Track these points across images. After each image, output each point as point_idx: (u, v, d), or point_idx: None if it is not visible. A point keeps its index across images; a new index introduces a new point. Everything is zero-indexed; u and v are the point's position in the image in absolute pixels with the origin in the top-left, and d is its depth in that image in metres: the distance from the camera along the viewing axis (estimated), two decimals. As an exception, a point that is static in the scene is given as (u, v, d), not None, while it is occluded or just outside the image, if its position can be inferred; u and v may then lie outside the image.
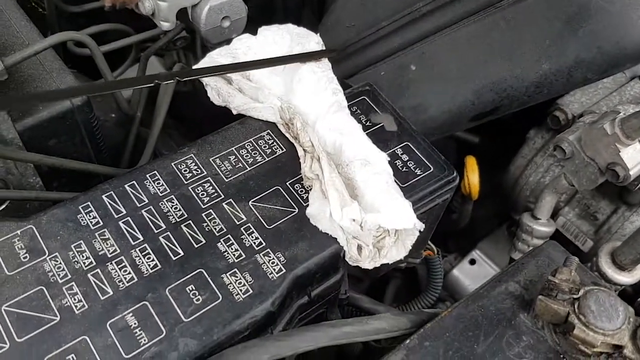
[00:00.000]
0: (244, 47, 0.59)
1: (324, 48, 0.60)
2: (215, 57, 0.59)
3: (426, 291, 0.76)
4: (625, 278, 0.66)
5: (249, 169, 0.53)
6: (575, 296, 0.44)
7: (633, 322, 0.44)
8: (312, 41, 0.60)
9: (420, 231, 0.50)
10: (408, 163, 0.56)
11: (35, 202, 0.55)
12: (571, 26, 0.65)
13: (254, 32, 0.73)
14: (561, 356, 0.44)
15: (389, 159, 0.54)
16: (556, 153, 0.74)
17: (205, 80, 0.59)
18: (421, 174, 0.55)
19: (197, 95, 1.01)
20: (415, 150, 0.57)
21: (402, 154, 0.56)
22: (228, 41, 0.70)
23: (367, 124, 0.59)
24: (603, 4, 0.62)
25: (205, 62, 0.59)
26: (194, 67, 0.59)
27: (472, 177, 0.80)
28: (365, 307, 0.62)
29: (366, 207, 0.50)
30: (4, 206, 0.55)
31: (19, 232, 0.46)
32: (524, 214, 0.82)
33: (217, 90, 0.59)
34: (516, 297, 0.47)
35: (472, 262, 1.03)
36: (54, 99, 0.48)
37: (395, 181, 0.53)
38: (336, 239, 0.49)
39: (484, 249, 1.03)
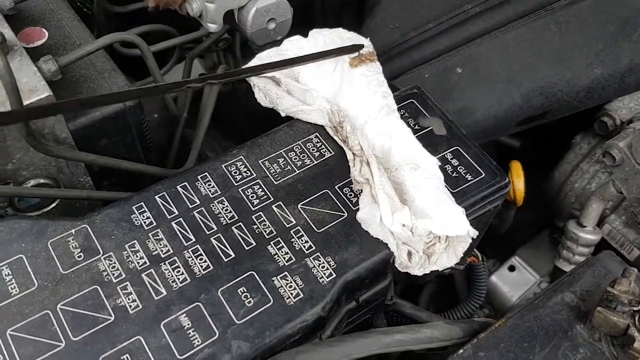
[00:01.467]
0: (295, 48, 0.59)
1: (373, 51, 0.59)
2: (265, 59, 0.59)
3: (469, 298, 0.75)
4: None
5: (297, 171, 0.52)
6: (635, 308, 0.43)
7: (696, 336, 0.43)
8: (363, 44, 0.59)
9: (473, 238, 0.49)
10: (458, 168, 0.55)
11: (84, 202, 0.56)
12: (625, 30, 0.63)
13: (294, 33, 0.73)
14: (620, 370, 0.43)
15: (439, 163, 0.53)
16: (605, 159, 0.73)
17: (254, 81, 0.59)
18: (472, 180, 0.54)
19: (235, 95, 1.02)
20: (466, 155, 0.56)
21: (452, 159, 0.55)
22: (273, 43, 0.71)
23: (416, 127, 0.58)
24: (660, 7, 0.61)
25: (253, 63, 0.59)
26: (243, 67, 0.59)
27: (518, 182, 0.78)
28: (408, 314, 0.61)
29: (417, 212, 0.50)
30: (54, 204, 0.55)
31: (73, 231, 0.46)
32: (570, 221, 0.80)
33: (265, 91, 0.59)
34: (572, 308, 0.46)
35: (512, 268, 1.01)
36: (105, 103, 0.48)
37: (446, 186, 0.52)
38: (386, 244, 0.48)
39: (524, 256, 1.01)
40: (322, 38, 0.59)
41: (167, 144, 0.76)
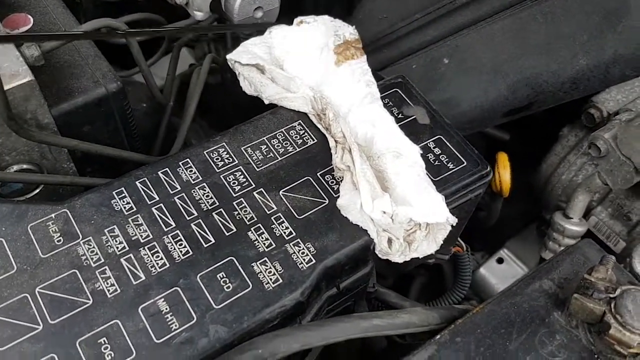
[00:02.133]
0: (279, 36, 0.59)
1: (358, 38, 0.59)
2: (250, 47, 0.59)
3: (453, 288, 0.75)
4: (660, 280, 0.65)
5: (280, 158, 0.53)
6: (611, 295, 0.43)
7: (672, 323, 0.43)
8: (347, 32, 0.59)
9: (452, 225, 0.49)
10: (440, 156, 0.55)
11: (67, 187, 0.56)
12: (610, 21, 0.63)
13: (284, 21, 0.73)
14: (595, 356, 0.43)
15: (421, 151, 0.53)
16: (591, 151, 0.73)
17: (239, 69, 0.59)
18: (454, 168, 0.54)
19: (224, 86, 1.02)
20: (448, 144, 0.56)
21: (434, 147, 0.56)
22: (260, 32, 0.71)
23: (400, 116, 0.58)
24: (644, -2, 0.61)
25: (239, 51, 0.59)
26: (228, 55, 0.59)
27: (504, 173, 0.78)
28: (392, 302, 0.62)
29: (397, 199, 0.50)
30: (37, 190, 0.56)
31: (53, 215, 0.47)
32: (556, 213, 0.80)
33: (249, 79, 0.59)
34: (550, 295, 0.46)
35: (500, 261, 1.02)
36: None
37: (428, 174, 0.52)
38: (366, 231, 0.48)
39: (512, 248, 1.02)
40: (307, 25, 0.59)
41: (154, 133, 0.76)
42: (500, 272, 1.01)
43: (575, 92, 0.67)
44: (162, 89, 0.79)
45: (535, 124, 0.93)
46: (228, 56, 0.59)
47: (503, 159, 0.79)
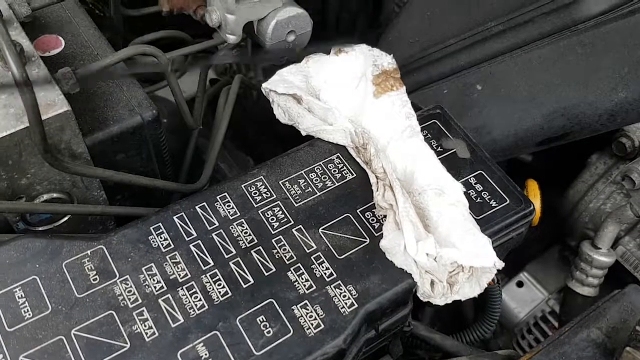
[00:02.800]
0: (317, 65, 0.57)
1: (397, 68, 0.58)
2: (286, 75, 0.58)
3: (483, 321, 0.73)
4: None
5: (318, 193, 0.51)
6: (666, 350, 0.42)
7: None
8: (386, 61, 0.58)
9: (499, 270, 0.48)
10: (482, 193, 0.53)
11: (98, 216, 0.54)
12: (652, 55, 0.62)
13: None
14: (648, 412, 0.42)
15: (464, 189, 0.52)
16: (624, 183, 0.71)
17: (274, 98, 0.58)
18: (497, 206, 0.53)
19: (246, 103, 1.00)
20: (490, 180, 0.55)
21: (475, 184, 0.54)
22: (290, 53, 0.69)
23: (439, 149, 0.57)
24: (688, 33, 0.59)
25: (275, 80, 0.58)
26: (263, 85, 0.58)
27: (535, 202, 0.76)
28: (421, 335, 0.60)
29: (440, 240, 0.48)
30: (66, 218, 0.54)
31: (89, 252, 0.45)
32: (584, 243, 0.79)
33: (285, 109, 0.57)
34: (598, 345, 0.45)
35: (520, 284, 1.00)
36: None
37: (470, 213, 0.51)
38: (409, 273, 0.47)
39: (533, 272, 1.00)
40: (345, 56, 0.58)
41: (176, 152, 0.75)
42: (520, 296, 1.00)
43: (613, 124, 0.66)
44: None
45: (562, 149, 0.91)
46: (264, 85, 0.58)
47: (534, 187, 0.77)
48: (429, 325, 0.94)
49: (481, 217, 0.52)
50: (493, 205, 0.53)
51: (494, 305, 0.71)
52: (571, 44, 0.65)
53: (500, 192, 0.53)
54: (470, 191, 0.53)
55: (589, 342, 0.45)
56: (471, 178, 0.54)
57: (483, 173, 0.55)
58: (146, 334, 0.42)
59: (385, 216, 0.49)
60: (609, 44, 0.64)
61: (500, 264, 0.47)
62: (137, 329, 0.42)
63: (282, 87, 0.57)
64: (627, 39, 0.63)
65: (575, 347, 0.45)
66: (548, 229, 0.98)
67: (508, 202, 0.53)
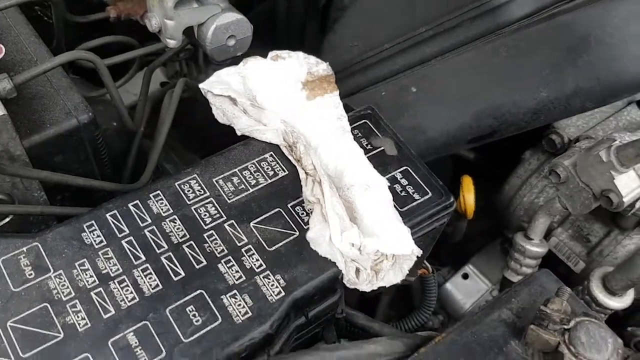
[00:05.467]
0: (254, 68, 0.60)
1: (332, 74, 0.61)
2: (224, 76, 0.60)
3: (420, 309, 0.77)
4: (615, 303, 0.68)
5: (251, 190, 0.54)
6: (566, 327, 0.45)
7: (621, 353, 0.45)
8: (321, 68, 0.61)
9: (418, 257, 0.51)
10: (407, 187, 0.57)
11: (38, 216, 0.56)
12: (571, 56, 0.66)
13: (257, 46, 0.74)
14: (551, 384, 0.45)
15: (389, 184, 0.55)
16: (551, 177, 0.76)
17: (211, 99, 0.60)
18: (419, 199, 0.56)
19: (197, 104, 1.02)
20: (414, 175, 0.58)
21: (401, 178, 0.57)
22: (233, 59, 0.72)
23: (368, 147, 0.60)
24: (603, 36, 0.64)
25: (212, 81, 0.60)
26: (201, 85, 0.60)
27: (468, 197, 0.81)
28: (360, 324, 0.63)
29: (365, 231, 0.51)
30: (7, 219, 0.56)
31: (24, 249, 0.47)
32: (517, 234, 0.83)
33: (222, 110, 0.60)
34: (508, 325, 0.49)
35: (465, 276, 1.04)
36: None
37: (395, 205, 0.54)
38: (335, 262, 0.50)
39: (477, 264, 1.04)
40: (283, 61, 0.61)
41: (125, 154, 0.77)
42: (465, 287, 1.04)
43: (537, 122, 0.70)
44: (134, 106, 0.80)
45: (500, 145, 0.96)
46: (201, 85, 0.60)
47: (467, 183, 0.81)
48: (385, 315, 0.98)
49: (405, 209, 0.55)
50: (416, 198, 0.56)
51: (430, 293, 0.75)
52: (496, 47, 0.69)
53: (424, 186, 0.57)
54: (395, 185, 0.56)
55: (500, 322, 0.49)
56: (397, 173, 0.58)
57: (408, 169, 0.58)
58: (79, 324, 0.44)
59: (313, 210, 0.52)
60: (531, 46, 0.68)
61: (419, 251, 0.51)
62: (70, 320, 0.44)
63: (218, 88, 0.60)
64: (547, 41, 0.67)
65: (486, 327, 0.48)
66: (491, 223, 1.03)
67: (430, 195, 0.56)
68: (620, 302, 0.68)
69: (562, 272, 0.86)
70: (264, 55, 0.63)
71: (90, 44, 0.77)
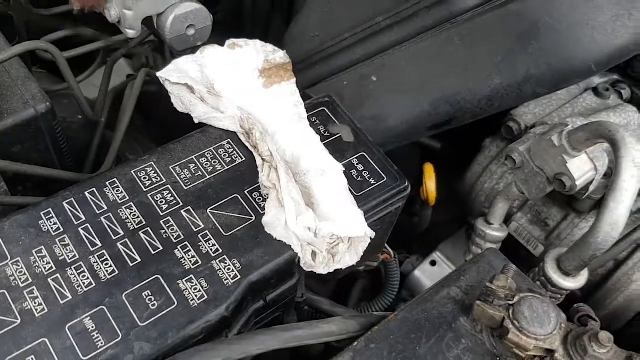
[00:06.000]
0: (211, 56, 0.61)
1: (289, 62, 0.62)
2: (181, 65, 0.61)
3: (383, 293, 0.79)
4: (569, 283, 0.70)
5: (208, 177, 0.55)
6: (510, 302, 0.47)
7: (565, 328, 0.47)
8: (278, 56, 0.62)
9: (371, 238, 0.52)
10: (363, 173, 0.58)
11: (-2, 206, 0.56)
12: (522, 43, 0.68)
13: (223, 37, 0.75)
14: (497, 359, 0.47)
15: (344, 169, 0.57)
16: (507, 162, 0.78)
17: (169, 88, 0.61)
18: (375, 184, 0.57)
19: (160, 96, 1.03)
20: (370, 161, 0.59)
21: (357, 164, 0.59)
22: (194, 49, 0.72)
23: (326, 134, 0.61)
24: (552, 23, 0.66)
25: (170, 69, 0.61)
26: (158, 73, 0.61)
27: (430, 184, 0.83)
28: (325, 309, 0.65)
29: (321, 215, 0.53)
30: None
31: (-20, 237, 0.47)
32: (478, 219, 0.85)
33: (179, 98, 0.60)
34: (457, 302, 0.50)
35: (433, 263, 1.06)
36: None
37: (350, 190, 0.56)
38: (291, 246, 0.51)
39: (444, 251, 1.07)
40: (240, 50, 0.62)
41: (89, 149, 0.77)
42: (433, 274, 1.06)
43: (491, 108, 0.72)
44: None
45: (464, 134, 0.98)
46: (158, 74, 0.61)
47: (429, 170, 0.83)
48: (357, 303, 0.99)
49: (361, 193, 0.56)
50: (372, 182, 0.57)
51: (392, 277, 0.76)
52: (450, 35, 0.71)
53: (379, 171, 0.58)
54: (352, 171, 0.58)
55: (449, 299, 0.50)
56: (354, 159, 0.59)
57: (365, 155, 0.60)
58: (36, 310, 0.45)
59: (269, 195, 0.53)
60: (484, 34, 0.70)
61: (372, 233, 0.52)
62: (27, 306, 0.45)
63: (175, 76, 0.60)
64: (499, 29, 0.69)
65: (436, 304, 0.50)
66: (457, 210, 1.05)
67: (385, 179, 0.58)
68: (574, 283, 0.70)
69: (522, 256, 0.88)
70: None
71: (52, 37, 0.77)
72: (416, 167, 1.05)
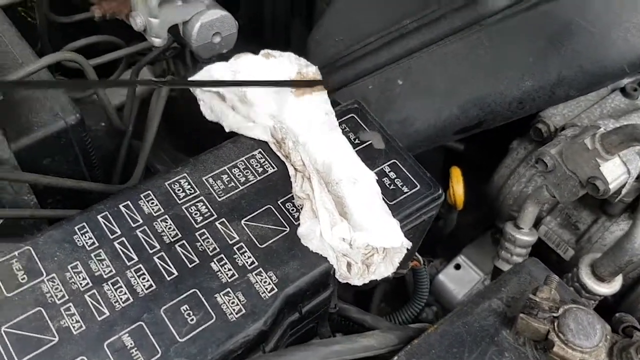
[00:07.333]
0: (245, 64, 0.60)
1: (320, 78, 0.61)
2: (213, 72, 0.60)
3: (412, 301, 0.78)
4: (604, 289, 0.69)
5: (241, 187, 0.54)
6: (555, 314, 0.46)
7: (610, 339, 0.46)
8: (311, 71, 0.61)
9: (407, 249, 0.51)
10: (395, 180, 0.57)
11: (29, 220, 0.56)
12: (554, 45, 0.67)
13: (243, 42, 0.74)
14: (542, 372, 0.46)
15: (377, 177, 0.56)
16: (538, 166, 0.76)
17: (199, 95, 0.60)
18: (408, 192, 0.56)
19: (188, 102, 1.02)
20: (402, 168, 0.58)
21: (389, 172, 0.58)
22: (219, 56, 0.72)
23: (356, 141, 0.60)
24: (585, 24, 0.64)
25: (201, 75, 0.60)
26: (190, 78, 0.60)
27: (457, 188, 0.82)
28: (354, 318, 0.64)
29: (355, 225, 0.52)
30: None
31: (16, 253, 0.47)
32: (507, 223, 0.84)
33: (210, 106, 0.60)
34: (499, 314, 0.49)
35: (457, 267, 1.05)
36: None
37: (384, 198, 0.55)
38: (326, 257, 0.50)
39: (469, 254, 1.05)
40: (274, 60, 0.61)
41: (115, 155, 0.77)
42: (458, 277, 1.05)
43: (522, 111, 0.71)
44: (123, 106, 0.80)
45: (489, 135, 0.97)
46: (190, 79, 0.60)
47: (457, 174, 0.82)
48: (379, 308, 0.98)
49: (394, 202, 0.55)
50: (405, 191, 0.56)
51: (422, 285, 0.75)
52: (480, 38, 0.70)
53: (412, 178, 0.57)
54: (384, 179, 0.57)
55: (490, 312, 0.49)
56: (385, 167, 0.58)
57: (396, 162, 0.59)
58: (73, 327, 0.44)
59: (303, 206, 0.53)
60: (514, 36, 0.68)
61: (408, 244, 0.51)
62: (64, 323, 0.44)
63: (206, 85, 0.60)
64: (529, 30, 0.68)
65: (477, 317, 0.49)
66: (482, 213, 1.04)
67: (419, 187, 0.57)
68: (609, 288, 0.69)
69: (552, 260, 0.87)
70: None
71: (75, 45, 0.77)
72: (438, 169, 1.04)
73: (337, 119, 0.60)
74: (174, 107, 0.87)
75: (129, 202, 0.51)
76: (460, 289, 1.04)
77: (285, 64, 0.62)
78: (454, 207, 0.85)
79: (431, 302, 1.02)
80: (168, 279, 0.47)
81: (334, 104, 0.62)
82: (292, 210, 0.53)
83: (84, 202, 0.61)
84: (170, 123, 0.95)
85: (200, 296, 0.47)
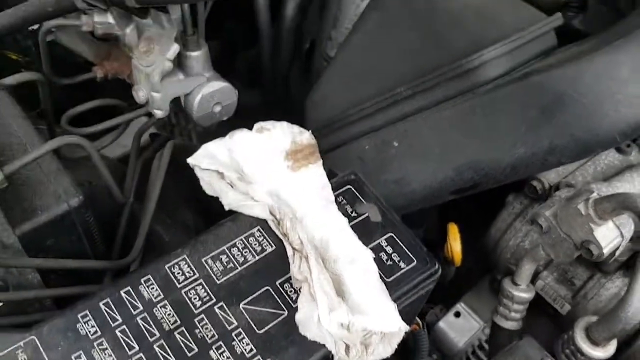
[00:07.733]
0: (240, 141, 0.61)
1: (314, 143, 0.63)
2: (211, 149, 0.62)
3: (412, 363, 0.78)
4: (599, 353, 0.69)
5: (239, 268, 0.55)
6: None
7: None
8: (304, 138, 0.63)
9: (405, 333, 0.52)
10: (392, 255, 0.58)
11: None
12: (545, 115, 0.68)
13: (243, 91, 0.76)
14: None
15: (374, 255, 0.57)
16: (533, 227, 0.78)
17: (199, 174, 0.61)
18: (405, 268, 0.57)
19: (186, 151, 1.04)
20: (399, 242, 0.59)
21: (386, 246, 0.59)
22: (219, 124, 0.74)
23: (353, 214, 0.61)
24: (576, 96, 0.66)
25: (200, 155, 0.62)
26: (189, 159, 0.61)
27: (455, 245, 0.83)
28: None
29: (353, 307, 0.53)
30: (1, 303, 0.57)
31: (22, 343, 0.48)
32: (505, 280, 0.85)
33: (209, 183, 0.61)
34: (495, 397, 0.50)
35: (457, 314, 1.06)
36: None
37: (381, 275, 0.56)
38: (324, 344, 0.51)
39: (468, 302, 1.06)
40: (268, 133, 0.62)
41: (116, 214, 0.77)
42: (458, 325, 1.05)
43: (516, 176, 0.72)
44: (123, 158, 0.81)
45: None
46: (189, 160, 0.62)
47: (454, 231, 0.83)
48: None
49: (391, 278, 0.56)
50: (402, 266, 0.57)
51: (422, 348, 0.76)
52: (473, 105, 0.71)
53: (409, 253, 0.58)
54: (381, 253, 0.58)
55: (486, 395, 0.50)
56: (382, 241, 0.59)
57: (393, 235, 0.59)
58: (76, 421, 0.45)
59: (301, 288, 0.54)
60: (506, 105, 0.70)
61: (406, 327, 0.52)
62: (68, 415, 0.45)
63: (205, 162, 0.61)
64: (521, 100, 0.69)
65: (473, 401, 0.50)
66: (479, 262, 1.05)
67: (415, 262, 0.58)
68: (604, 352, 0.70)
69: (550, 313, 0.88)
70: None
71: (78, 109, 0.78)
72: (434, 219, 1.05)
73: (334, 191, 0.62)
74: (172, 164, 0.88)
75: (129, 287, 0.52)
76: (461, 337, 1.04)
77: (279, 135, 0.64)
78: (452, 263, 0.86)
79: (432, 351, 1.03)
80: (168, 369, 0.48)
81: (331, 175, 0.63)
82: (290, 291, 0.54)
83: (85, 277, 0.62)
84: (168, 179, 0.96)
85: (200, 386, 0.47)
